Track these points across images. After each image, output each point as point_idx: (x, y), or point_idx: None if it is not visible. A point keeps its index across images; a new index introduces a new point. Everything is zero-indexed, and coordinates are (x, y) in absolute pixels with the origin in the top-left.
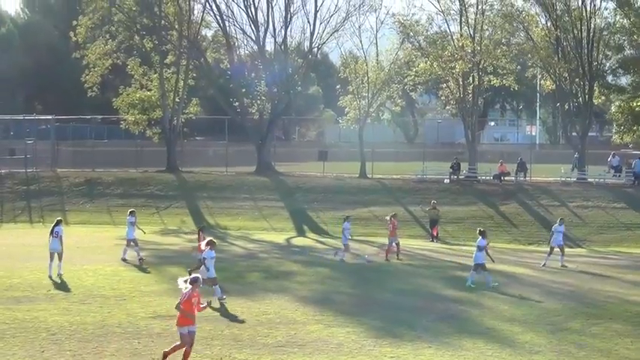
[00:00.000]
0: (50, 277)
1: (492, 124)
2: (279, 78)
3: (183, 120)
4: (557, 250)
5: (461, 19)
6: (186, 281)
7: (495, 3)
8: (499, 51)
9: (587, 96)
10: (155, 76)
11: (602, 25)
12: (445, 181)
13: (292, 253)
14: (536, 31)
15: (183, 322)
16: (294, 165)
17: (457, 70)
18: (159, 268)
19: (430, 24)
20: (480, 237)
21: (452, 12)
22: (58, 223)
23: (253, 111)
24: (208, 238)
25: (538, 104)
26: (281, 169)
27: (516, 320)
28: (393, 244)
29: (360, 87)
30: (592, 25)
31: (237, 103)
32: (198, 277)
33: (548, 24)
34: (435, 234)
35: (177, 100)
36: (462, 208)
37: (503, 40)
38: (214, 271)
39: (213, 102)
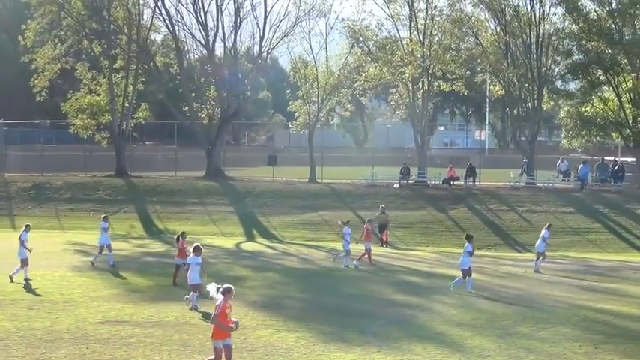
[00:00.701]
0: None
1: (442, 128)
2: (228, 82)
3: (132, 125)
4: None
5: (410, 25)
6: (218, 289)
7: (445, 8)
8: (448, 56)
9: (536, 101)
10: (104, 80)
11: (551, 30)
12: (395, 185)
13: (241, 257)
14: (485, 36)
15: (218, 335)
16: (243, 170)
17: (407, 75)
18: (107, 273)
19: (380, 29)
20: (467, 242)
21: (401, 17)
22: (25, 228)
23: (203, 116)
24: (195, 244)
25: (487, 109)
26: (230, 174)
27: (465, 325)
28: (370, 247)
29: (309, 92)
30: (541, 31)
31: (186, 108)
32: (231, 287)
33: (498, 29)
34: (384, 239)
35: (126, 104)
36: (412, 213)
37: (453, 46)
38: (199, 278)
39: (162, 107)
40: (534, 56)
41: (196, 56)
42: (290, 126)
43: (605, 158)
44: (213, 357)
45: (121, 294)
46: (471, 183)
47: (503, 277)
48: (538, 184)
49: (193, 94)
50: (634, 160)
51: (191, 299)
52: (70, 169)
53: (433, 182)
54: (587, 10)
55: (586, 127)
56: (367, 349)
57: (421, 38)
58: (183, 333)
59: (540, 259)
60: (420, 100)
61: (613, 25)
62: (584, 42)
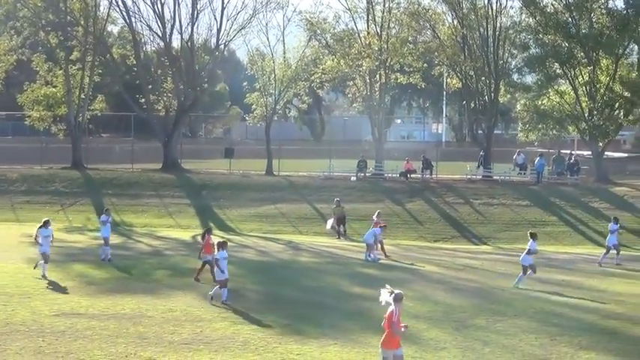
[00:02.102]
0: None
1: (399, 121)
2: (185, 75)
3: (88, 116)
4: (613, 250)
5: (368, 17)
6: (391, 293)
7: (402, 1)
8: (406, 49)
9: (492, 94)
10: (60, 72)
11: (508, 23)
12: (352, 178)
13: (198, 250)
14: (442, 29)
15: (389, 345)
16: (200, 162)
17: (364, 67)
18: (63, 265)
19: (337, 22)
20: (531, 239)
21: (359, 10)
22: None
23: (159, 108)
24: (220, 240)
25: (444, 102)
26: (187, 166)
27: (422, 317)
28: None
29: (266, 84)
30: (498, 24)
31: (143, 100)
32: (402, 294)
33: (455, 22)
34: (341, 231)
35: (82, 96)
36: (369, 206)
37: (410, 38)
38: (227, 273)
39: (119, 98)
40: (491, 49)
41: (153, 48)
42: (247, 118)
43: (562, 151)
44: None
45: (77, 286)
46: (427, 176)
47: (459, 270)
48: (495, 177)
49: (150, 86)
50: (590, 153)
51: (222, 294)
52: (25, 161)
53: (390, 175)
54: (543, 3)
55: (542, 121)
56: (324, 342)
57: (378, 31)
58: (139, 326)
59: (609, 253)
60: (377, 92)
61: (570, 19)
62: (540, 35)
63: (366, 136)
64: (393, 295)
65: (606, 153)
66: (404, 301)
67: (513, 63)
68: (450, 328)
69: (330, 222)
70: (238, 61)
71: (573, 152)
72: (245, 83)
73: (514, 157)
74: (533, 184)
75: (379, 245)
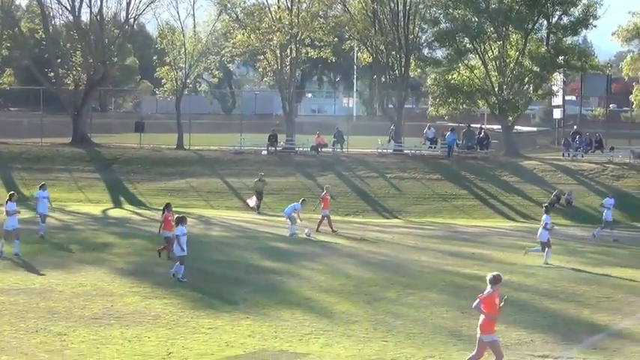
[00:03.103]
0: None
1: (310, 95)
2: (94, 49)
3: None
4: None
5: None
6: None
7: None
8: (316, 23)
9: (403, 68)
10: None
11: None
12: (263, 152)
13: (108, 224)
14: (353, 3)
15: (489, 329)
16: (110, 136)
17: (275, 42)
18: None
19: None
20: (545, 214)
21: None
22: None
23: (69, 82)
24: (177, 215)
25: (355, 76)
26: (97, 141)
27: (333, 290)
28: (326, 216)
29: (177, 58)
30: None
31: (52, 74)
32: (500, 276)
33: None
34: (257, 205)
35: None
36: (280, 180)
37: (321, 13)
38: (186, 249)
39: (27, 72)
40: (402, 24)
41: (62, 22)
42: (157, 92)
43: (472, 125)
44: (474, 353)
45: None
46: (338, 149)
47: (371, 243)
48: (405, 151)
49: (59, 60)
50: (499, 127)
51: (179, 271)
52: None
53: (301, 149)
54: None
55: (453, 95)
56: (235, 316)
57: (289, 5)
58: (49, 300)
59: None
60: (288, 67)
61: None
62: (450, 10)
63: (276, 110)
64: (492, 277)
65: (516, 127)
66: (316, 274)
67: (424, 37)
68: (362, 301)
69: (254, 199)
70: (148, 35)
71: (483, 126)
72: (155, 57)
73: (425, 131)
74: (443, 158)
75: (325, 220)
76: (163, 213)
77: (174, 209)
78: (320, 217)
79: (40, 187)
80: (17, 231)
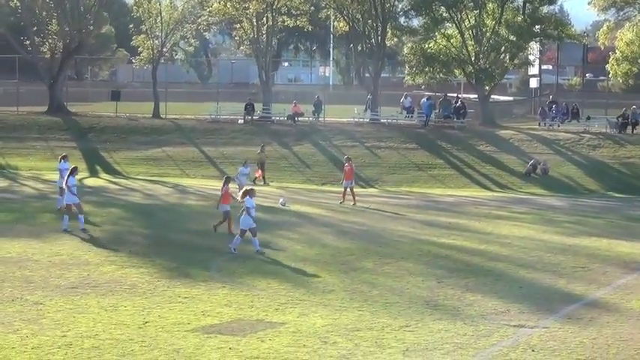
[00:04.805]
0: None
1: (286, 64)
2: (71, 17)
3: None
4: None
5: None
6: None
7: None
8: None
9: (379, 37)
10: None
11: None
12: (239, 121)
13: (85, 193)
14: None
15: None
16: (86, 105)
17: (251, 10)
18: None
19: None
20: None
21: None
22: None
23: (45, 50)
24: (246, 188)
25: (332, 45)
26: (73, 109)
27: (309, 260)
28: (348, 188)
29: (153, 27)
30: None
31: (28, 42)
32: None
33: None
34: (259, 176)
35: None
36: (256, 149)
37: None
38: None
39: (3, 40)
40: None
41: None
42: (134, 61)
43: (448, 95)
44: None
45: None
46: (314, 119)
47: (347, 213)
48: (382, 120)
49: (35, 28)
50: (476, 96)
51: (254, 243)
52: None
53: (277, 118)
54: None
55: (429, 64)
56: (211, 285)
57: None
58: (25, 269)
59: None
60: (264, 35)
61: None
62: None
63: (253, 79)
64: None
65: (492, 96)
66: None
67: (400, 6)
68: (338, 271)
69: (259, 172)
70: (124, 4)
71: (460, 96)
72: (131, 26)
73: (401, 100)
74: (420, 128)
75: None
76: (224, 186)
77: (150, 178)
78: (343, 188)
79: (62, 159)
80: (80, 205)
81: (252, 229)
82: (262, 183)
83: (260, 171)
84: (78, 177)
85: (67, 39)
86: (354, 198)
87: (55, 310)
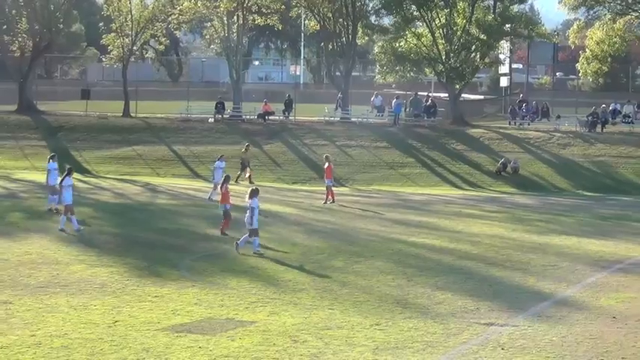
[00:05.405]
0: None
1: (257, 63)
2: (40, 15)
3: None
4: None
5: None
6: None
7: None
8: None
9: (350, 36)
10: None
11: None
12: (210, 120)
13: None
14: None
15: None
16: (56, 104)
17: (222, 8)
18: None
19: None
20: None
21: None
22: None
23: (14, 48)
24: (252, 188)
25: (302, 44)
26: (43, 108)
27: (280, 259)
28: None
29: (123, 25)
30: None
31: None
32: None
33: None
34: (246, 175)
35: None
36: (227, 148)
37: None
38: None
39: None
40: None
41: None
42: (104, 59)
43: (419, 93)
44: None
45: None
46: (284, 117)
47: (318, 211)
48: (353, 119)
49: (4, 27)
50: (447, 95)
51: (254, 244)
52: None
53: (248, 117)
54: None
55: (400, 63)
56: (182, 284)
57: None
58: None
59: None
60: (235, 34)
61: None
62: None
63: (223, 77)
64: None
65: (463, 95)
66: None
67: (371, 5)
68: (309, 269)
69: (247, 170)
70: (94, 2)
71: (430, 94)
72: (101, 24)
73: (372, 99)
74: (390, 126)
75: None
76: (223, 186)
77: (120, 177)
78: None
79: (51, 159)
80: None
81: (252, 230)
82: (249, 182)
83: (249, 170)
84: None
85: (37, 37)
86: (328, 196)
87: (25, 309)
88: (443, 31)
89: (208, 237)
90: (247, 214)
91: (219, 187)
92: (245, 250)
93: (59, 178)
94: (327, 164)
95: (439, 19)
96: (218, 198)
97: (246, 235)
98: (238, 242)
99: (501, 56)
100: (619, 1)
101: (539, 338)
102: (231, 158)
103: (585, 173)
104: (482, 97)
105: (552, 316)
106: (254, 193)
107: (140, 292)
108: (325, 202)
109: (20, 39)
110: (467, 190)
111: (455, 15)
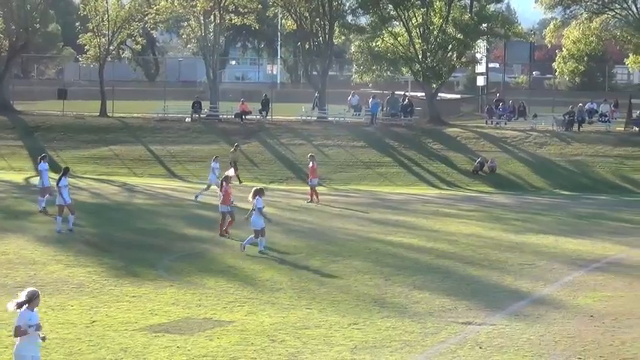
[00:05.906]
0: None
1: (234, 63)
2: (17, 15)
3: None
4: None
5: None
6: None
7: None
8: None
9: (327, 36)
10: None
11: None
12: (186, 119)
13: (32, 192)
14: None
15: None
16: (33, 103)
17: (198, 8)
18: None
19: None
20: None
21: None
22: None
23: None
24: (256, 188)
25: (279, 43)
26: (20, 108)
27: (257, 258)
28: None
29: (100, 25)
30: None
31: None
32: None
33: None
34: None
35: None
36: (204, 147)
37: None
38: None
39: None
40: None
41: None
42: (80, 59)
43: (396, 92)
44: None
45: None
46: (261, 117)
47: (295, 211)
48: (330, 118)
49: None
50: (423, 94)
51: (260, 244)
52: None
53: (225, 116)
54: None
55: (377, 62)
56: (159, 284)
57: None
58: None
59: None
60: (211, 33)
61: None
62: None
63: (200, 77)
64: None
65: (439, 94)
66: None
67: (348, 4)
68: (286, 269)
69: (232, 170)
70: (71, 1)
71: (407, 94)
72: (78, 24)
73: (349, 98)
74: (367, 126)
75: None
76: (223, 186)
77: (97, 177)
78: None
79: (41, 160)
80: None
81: (258, 231)
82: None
83: (234, 169)
84: (25, 176)
85: (14, 37)
86: (312, 196)
87: (1, 309)
88: (419, 31)
89: (186, 237)
90: (254, 215)
91: (218, 189)
92: (223, 249)
93: (49, 179)
94: (310, 164)
95: (416, 19)
96: (203, 200)
97: (252, 236)
98: (243, 243)
99: (478, 55)
100: (595, 1)
101: (517, 337)
102: (208, 157)
103: (562, 172)
104: (459, 96)
105: (530, 315)
106: (258, 193)
107: (118, 292)
108: (310, 201)
109: None
110: (444, 189)
111: (431, 14)
